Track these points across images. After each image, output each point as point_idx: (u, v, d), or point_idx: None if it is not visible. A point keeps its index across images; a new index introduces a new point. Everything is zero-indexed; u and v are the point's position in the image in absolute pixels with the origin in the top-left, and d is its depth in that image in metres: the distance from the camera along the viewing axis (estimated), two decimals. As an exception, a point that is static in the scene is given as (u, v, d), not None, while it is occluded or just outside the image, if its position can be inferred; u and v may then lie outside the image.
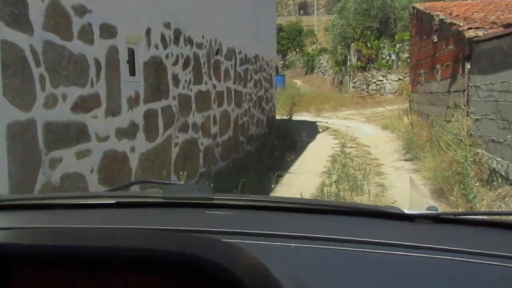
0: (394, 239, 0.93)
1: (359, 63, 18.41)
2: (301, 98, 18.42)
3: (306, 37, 35.60)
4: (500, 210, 3.72)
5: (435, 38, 8.02)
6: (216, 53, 5.66)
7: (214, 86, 5.65)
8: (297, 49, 36.54)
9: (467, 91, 6.13)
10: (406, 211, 1.07)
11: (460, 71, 6.39)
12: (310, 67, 31.73)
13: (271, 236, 0.93)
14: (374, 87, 17.32)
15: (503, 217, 1.87)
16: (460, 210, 3.98)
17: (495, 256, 0.82)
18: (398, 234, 1.02)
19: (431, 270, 0.80)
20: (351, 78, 18.78)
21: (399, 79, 16.87)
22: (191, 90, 4.77)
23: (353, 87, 18.58)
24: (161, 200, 1.15)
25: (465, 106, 6.19)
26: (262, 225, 1.05)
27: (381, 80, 17.16)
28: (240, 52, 6.90)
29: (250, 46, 7.64)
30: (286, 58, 37.62)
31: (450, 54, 7.03)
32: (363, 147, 9.32)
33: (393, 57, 17.55)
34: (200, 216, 1.12)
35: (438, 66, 7.87)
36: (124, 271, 0.54)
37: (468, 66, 6.08)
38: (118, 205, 1.17)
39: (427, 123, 8.47)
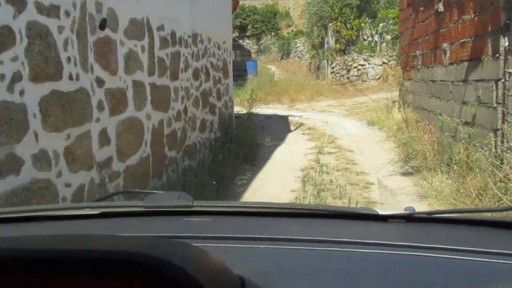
0: (366, 238, 0.94)
1: (337, 45, 16.20)
2: (274, 86, 16.24)
3: (281, 20, 33.14)
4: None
5: (440, 7, 5.85)
6: (102, 27, 3.37)
7: (100, 82, 3.37)
8: (272, 33, 34.15)
9: (503, 80, 3.99)
10: (380, 212, 1.09)
11: (489, 51, 4.23)
12: (285, 52, 29.40)
13: (243, 239, 0.95)
14: (356, 73, 15.15)
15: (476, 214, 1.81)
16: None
17: (464, 251, 0.84)
18: (370, 233, 1.03)
19: (401, 266, 0.82)
20: (329, 63, 16.59)
21: (383, 63, 14.72)
22: (23, 92, 2.50)
23: (332, 72, 16.41)
24: (142, 209, 1.17)
25: (498, 104, 4.06)
26: (236, 229, 1.09)
27: (363, 65, 15.00)
28: (161, 28, 4.61)
29: (183, 20, 5.34)
30: (260, 42, 35.20)
31: (467, 27, 4.87)
32: (345, 152, 7.16)
33: (376, 38, 15.38)
34: (179, 223, 1.15)
35: (445, 45, 5.72)
36: (80, 273, 0.53)
37: (505, 42, 3.93)
38: (101, 215, 1.18)
39: (429, 121, 6.35)
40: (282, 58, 29.67)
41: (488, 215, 2.10)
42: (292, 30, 30.22)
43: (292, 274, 0.78)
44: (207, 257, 0.57)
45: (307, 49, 20.25)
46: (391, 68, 14.51)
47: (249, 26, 35.41)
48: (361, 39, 15.79)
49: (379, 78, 14.68)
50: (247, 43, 37.57)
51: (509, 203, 3.52)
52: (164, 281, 0.50)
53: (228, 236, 0.97)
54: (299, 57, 26.85)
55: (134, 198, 2.97)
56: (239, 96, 15.05)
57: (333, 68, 16.34)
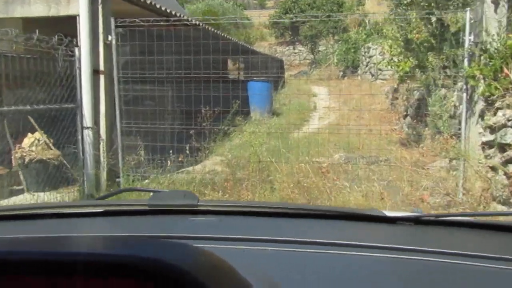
0: (374, 241, 0.93)
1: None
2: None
3: (350, 13, 20.84)
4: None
5: None
6: None
7: None
8: (334, 35, 21.99)
9: None
10: (388, 214, 1.06)
11: None
12: (350, 64, 17.17)
13: (251, 240, 0.93)
14: None
15: (483, 218, 1.76)
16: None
17: (472, 256, 0.82)
18: (378, 236, 1.02)
19: (409, 270, 0.80)
20: (474, 103, 4.34)
21: None
22: None
23: (486, 146, 4.13)
24: (147, 207, 1.13)
25: None
26: (242, 230, 1.06)
27: None
28: None
29: None
30: (316, 49, 23.10)
31: None
32: None
33: None
34: (184, 223, 1.12)
35: None
36: (86, 276, 0.51)
37: None
38: (105, 214, 1.15)
39: None
40: (344, 75, 17.57)
41: (498, 219, 1.91)
42: (364, 28, 17.83)
43: (301, 278, 0.76)
44: (214, 260, 0.55)
45: (391, 55, 7.75)
46: None
47: (305, 26, 23.46)
48: None
49: None
50: (299, 51, 25.69)
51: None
52: (169, 284, 0.48)
53: (235, 237, 0.94)
54: (372, 75, 14.65)
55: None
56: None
57: (492, 125, 4.04)
